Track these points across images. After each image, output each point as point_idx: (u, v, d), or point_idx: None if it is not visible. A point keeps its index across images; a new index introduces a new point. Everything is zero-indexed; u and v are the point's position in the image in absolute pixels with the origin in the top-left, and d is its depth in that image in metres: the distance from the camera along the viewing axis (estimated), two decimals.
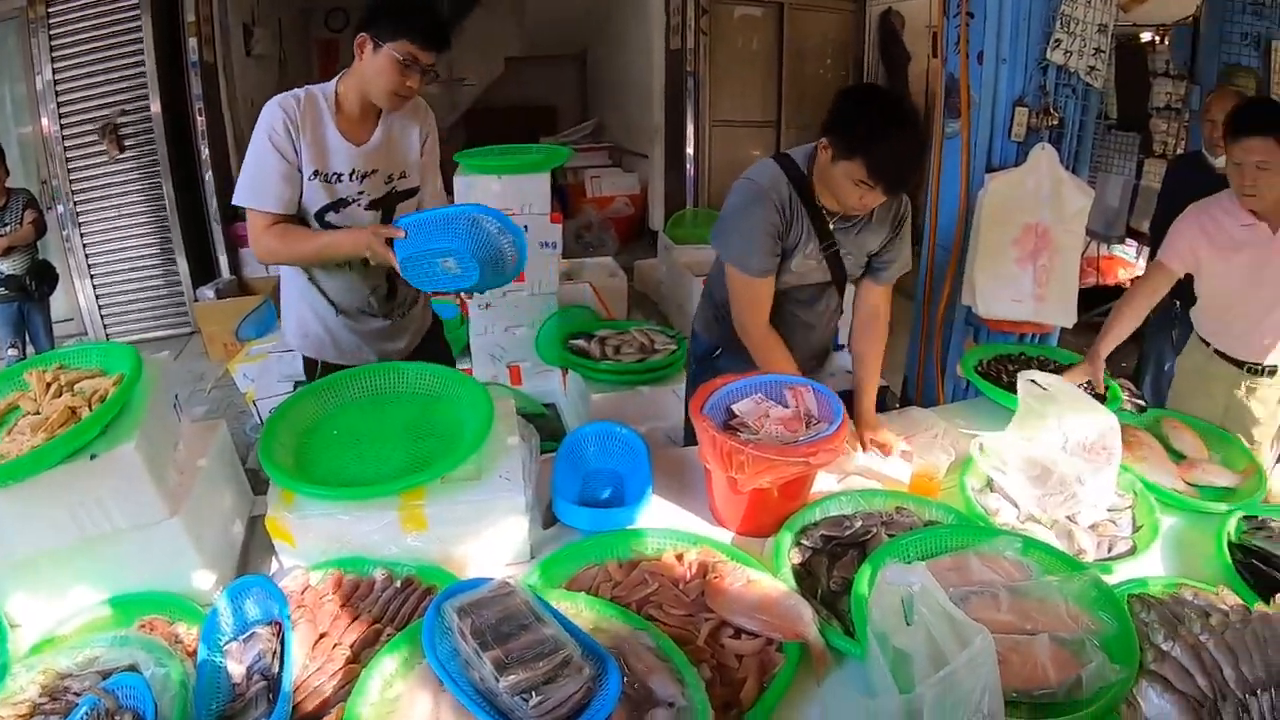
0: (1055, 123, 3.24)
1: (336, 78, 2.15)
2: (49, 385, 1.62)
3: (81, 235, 5.58)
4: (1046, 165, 3.16)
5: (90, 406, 1.52)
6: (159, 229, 5.74)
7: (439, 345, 2.69)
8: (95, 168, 5.52)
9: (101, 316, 5.78)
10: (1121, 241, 6.36)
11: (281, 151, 2.05)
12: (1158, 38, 5.83)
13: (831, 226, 2.17)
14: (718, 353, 2.48)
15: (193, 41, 5.58)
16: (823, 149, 2.04)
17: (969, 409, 2.69)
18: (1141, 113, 5.80)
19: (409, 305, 2.46)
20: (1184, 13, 5.40)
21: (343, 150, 2.13)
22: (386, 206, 2.25)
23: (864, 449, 2.26)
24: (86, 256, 5.64)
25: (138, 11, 5.28)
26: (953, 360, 3.56)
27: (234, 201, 2.12)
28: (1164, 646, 1.55)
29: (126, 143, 5.52)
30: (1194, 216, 2.55)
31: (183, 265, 5.84)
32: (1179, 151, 5.47)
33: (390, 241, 1.99)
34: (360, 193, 2.18)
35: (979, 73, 3.27)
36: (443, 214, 2.01)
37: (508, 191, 2.75)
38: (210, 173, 5.83)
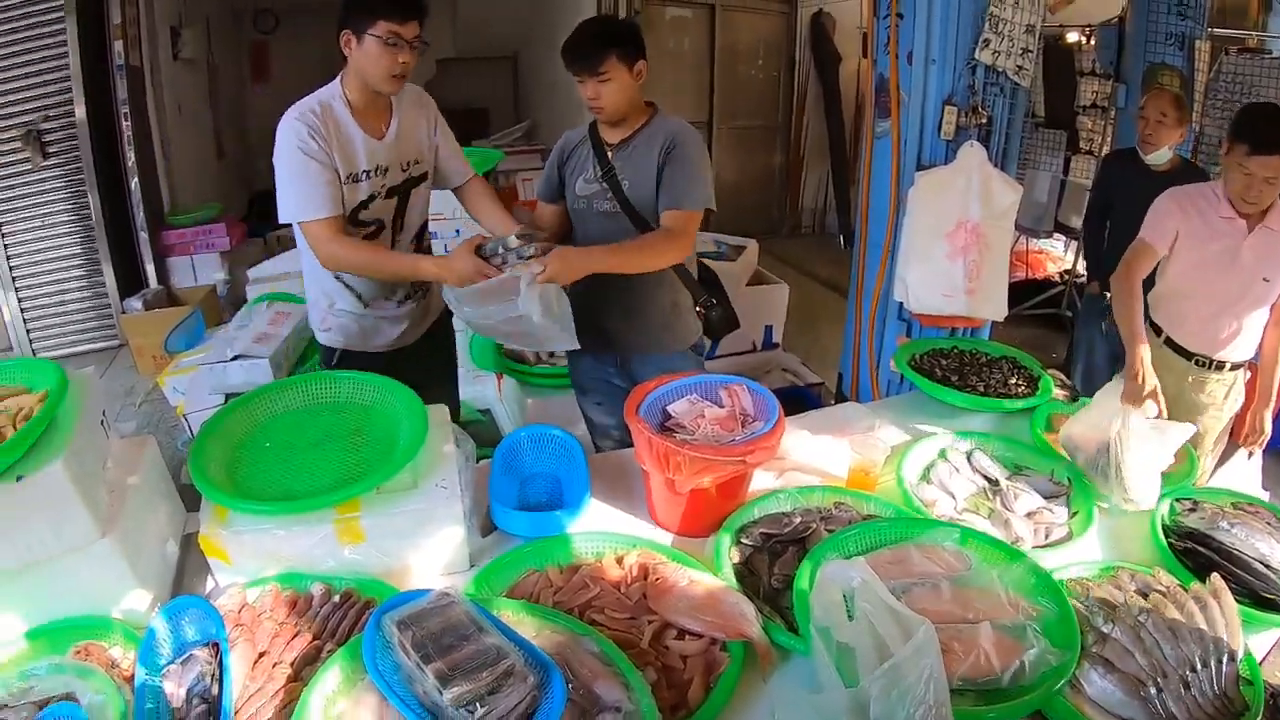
0: (984, 121, 3.29)
1: (337, 80, 2.22)
2: None
3: (5, 246, 5.36)
4: (975, 162, 3.20)
5: (15, 426, 1.45)
6: (84, 239, 5.50)
7: (449, 332, 2.82)
8: (17, 176, 5.28)
9: (27, 330, 5.56)
10: (1050, 236, 6.51)
11: (317, 159, 2.11)
12: (1084, 38, 6.00)
13: (610, 155, 2.45)
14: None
15: (118, 45, 5.34)
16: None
17: (904, 403, 2.74)
18: (1068, 111, 5.95)
19: (426, 288, 2.58)
20: (1110, 13, 5.54)
21: (367, 147, 2.23)
22: (402, 193, 2.38)
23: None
24: (11, 269, 5.42)
25: (61, 14, 5.09)
26: (886, 356, 3.61)
27: (283, 219, 2.16)
28: (1104, 629, 1.59)
29: (50, 149, 5.29)
30: (1175, 199, 2.58)
31: (109, 276, 5.60)
32: (1105, 148, 5.61)
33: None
34: (383, 186, 2.30)
35: (909, 73, 3.33)
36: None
37: (437, 197, 2.69)
38: (136, 179, 5.56)
